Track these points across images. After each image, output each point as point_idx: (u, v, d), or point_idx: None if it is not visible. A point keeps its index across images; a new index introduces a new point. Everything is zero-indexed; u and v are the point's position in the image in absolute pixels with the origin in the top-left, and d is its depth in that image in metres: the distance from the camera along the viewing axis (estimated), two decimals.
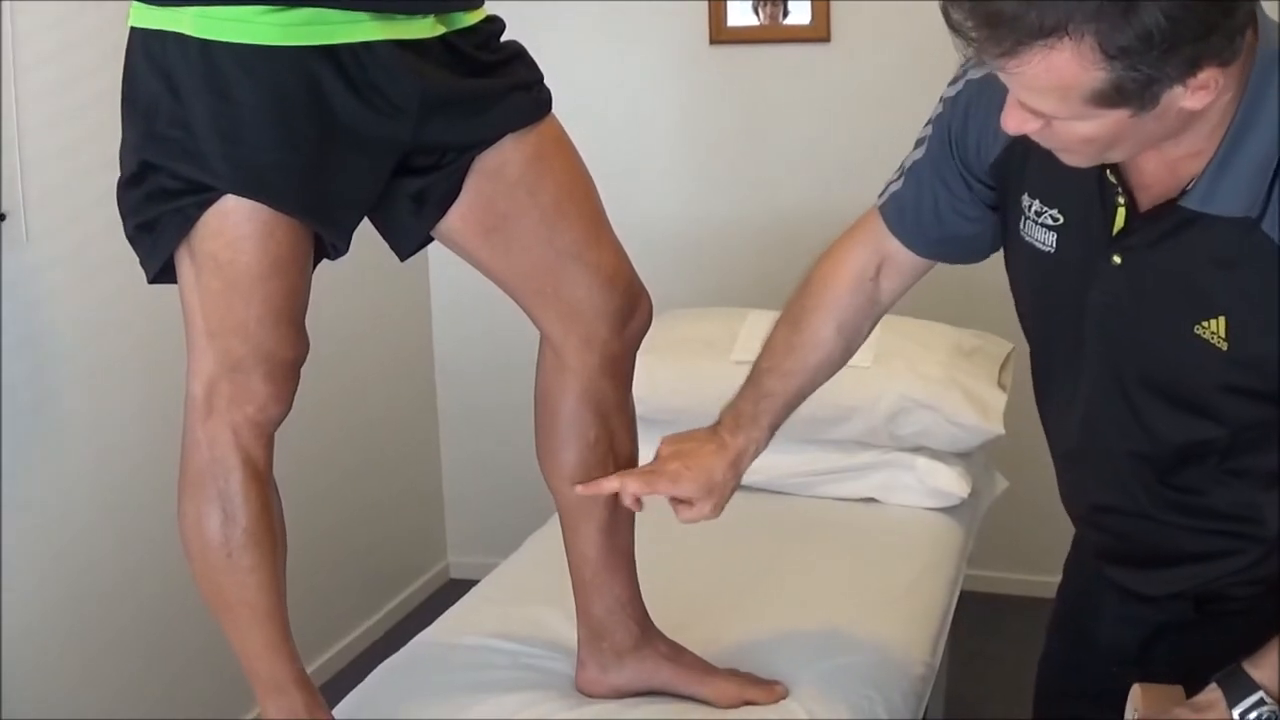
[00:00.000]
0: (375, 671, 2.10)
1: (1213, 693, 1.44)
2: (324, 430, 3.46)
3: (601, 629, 1.96)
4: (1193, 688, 1.48)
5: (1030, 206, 1.53)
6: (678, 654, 1.98)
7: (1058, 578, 1.86)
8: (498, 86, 1.72)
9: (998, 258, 1.70)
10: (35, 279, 2.57)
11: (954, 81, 1.63)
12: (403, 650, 2.16)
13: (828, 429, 2.75)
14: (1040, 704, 1.85)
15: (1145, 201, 1.42)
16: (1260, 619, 1.47)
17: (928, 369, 2.76)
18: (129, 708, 2.83)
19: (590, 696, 1.97)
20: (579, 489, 1.85)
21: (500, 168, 1.73)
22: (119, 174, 1.66)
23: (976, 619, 3.17)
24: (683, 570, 2.31)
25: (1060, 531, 1.83)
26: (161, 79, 1.57)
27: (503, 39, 1.77)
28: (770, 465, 2.78)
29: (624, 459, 1.92)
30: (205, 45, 1.54)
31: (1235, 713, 1.41)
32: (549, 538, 2.32)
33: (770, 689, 1.96)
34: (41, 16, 2.56)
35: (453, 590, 3.48)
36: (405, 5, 1.61)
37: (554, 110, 1.79)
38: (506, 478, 3.99)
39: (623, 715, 1.92)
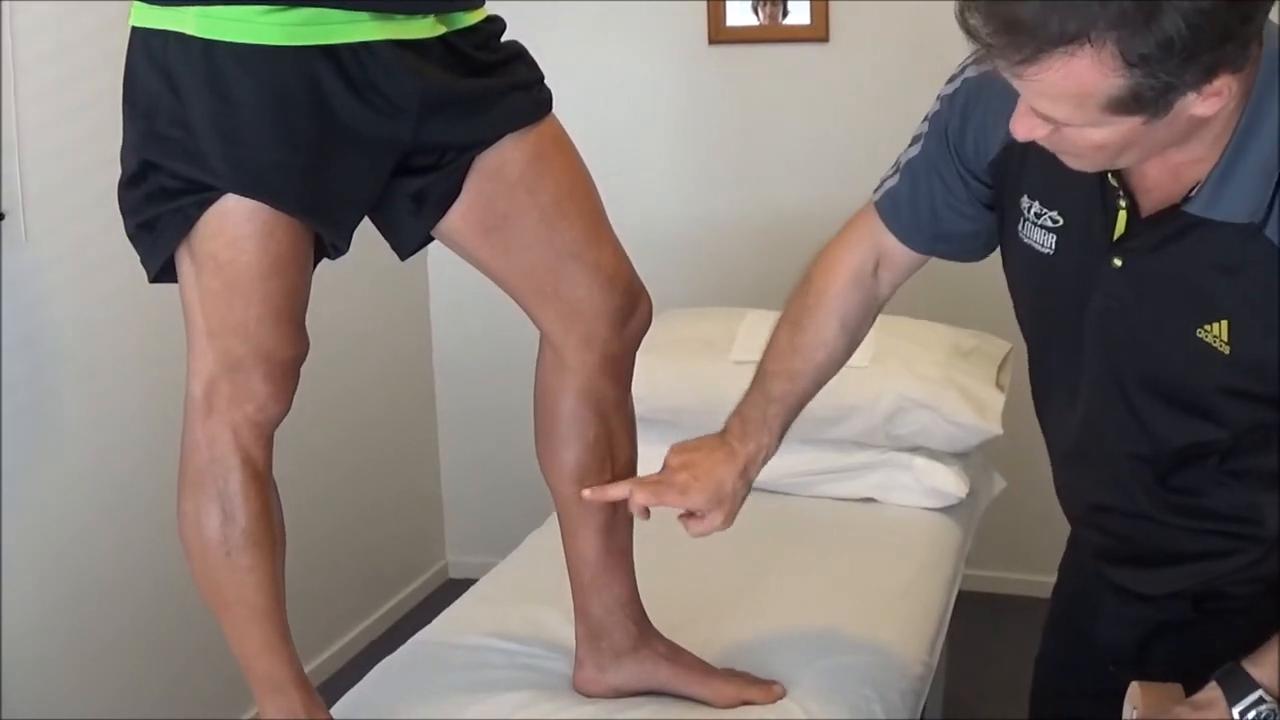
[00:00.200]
0: (373, 671, 2.10)
1: (1212, 691, 1.44)
2: (323, 430, 3.46)
3: (600, 629, 1.96)
4: (1191, 687, 1.49)
5: (1029, 208, 1.53)
6: (676, 654, 1.98)
7: (1056, 578, 1.86)
8: (498, 86, 1.72)
9: (995, 258, 1.70)
10: (35, 279, 2.57)
11: (951, 80, 1.63)
12: (401, 650, 2.16)
13: (826, 429, 2.75)
14: (1037, 704, 1.85)
15: (1147, 205, 1.42)
16: (1259, 618, 1.48)
17: (926, 369, 2.76)
18: (129, 707, 2.83)
19: (588, 696, 1.97)
20: (585, 494, 1.84)
21: (500, 167, 1.73)
22: (119, 173, 1.66)
23: (974, 618, 3.17)
24: (681, 570, 2.32)
25: (1058, 531, 1.83)
26: (162, 79, 1.57)
27: (503, 39, 1.78)
28: (768, 465, 2.79)
29: (623, 459, 1.92)
30: (206, 45, 1.54)
31: (1235, 711, 1.42)
32: (547, 537, 2.32)
33: (768, 689, 1.96)
34: (41, 16, 2.56)
35: (451, 590, 3.48)
36: (405, 5, 1.61)
37: (554, 110, 1.79)
38: (505, 477, 3.99)
39: (621, 715, 1.92)
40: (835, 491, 2.80)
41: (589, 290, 1.81)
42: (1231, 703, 1.42)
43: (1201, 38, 1.18)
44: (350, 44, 1.58)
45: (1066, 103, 1.26)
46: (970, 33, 1.25)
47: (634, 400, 1.94)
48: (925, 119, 1.68)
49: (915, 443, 2.74)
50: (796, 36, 3.64)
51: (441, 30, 1.67)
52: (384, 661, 2.13)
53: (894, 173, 1.73)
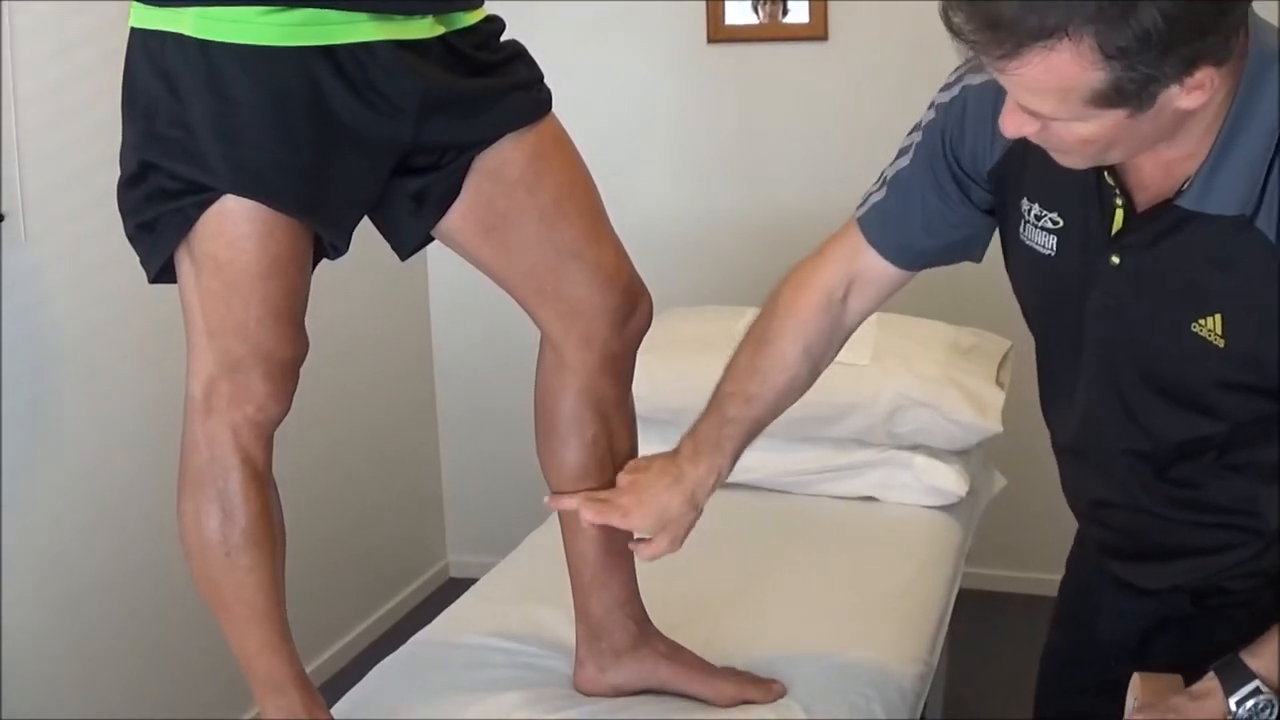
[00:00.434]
0: (373, 670, 2.10)
1: (1210, 682, 1.45)
2: (324, 430, 3.46)
3: (600, 628, 1.96)
4: (1191, 681, 1.49)
5: (1030, 210, 1.54)
6: (676, 653, 1.98)
7: (1056, 575, 1.86)
8: (497, 86, 1.72)
9: (994, 257, 1.70)
10: (35, 279, 2.58)
11: (947, 87, 1.63)
12: (401, 649, 2.16)
13: (825, 427, 2.75)
14: (1041, 698, 1.85)
15: (1142, 202, 1.43)
16: (1259, 612, 1.48)
17: (925, 367, 2.76)
18: (129, 708, 2.83)
19: (588, 695, 1.97)
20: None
21: (500, 167, 1.74)
22: (119, 174, 1.66)
23: (975, 617, 3.17)
24: (681, 569, 2.30)
25: (1058, 529, 1.83)
26: (161, 79, 1.57)
27: (502, 38, 1.78)
28: (768, 464, 2.80)
29: (623, 458, 1.92)
30: (205, 45, 1.55)
31: (1232, 701, 1.42)
32: (548, 537, 2.32)
33: (768, 687, 1.96)
34: (41, 16, 2.56)
35: (452, 589, 3.48)
36: (404, 6, 1.61)
37: (553, 109, 1.79)
38: (506, 477, 4.00)
39: (621, 714, 1.92)
40: (835, 490, 2.80)
41: (589, 289, 1.81)
42: (1229, 693, 1.43)
43: (1178, 30, 1.20)
44: (349, 44, 1.58)
45: (1050, 97, 1.27)
46: (953, 30, 1.27)
47: (634, 399, 1.94)
48: (916, 128, 1.67)
49: (915, 441, 2.74)
50: (795, 35, 3.64)
51: (441, 30, 1.67)
52: (384, 661, 2.13)
53: (879, 186, 1.71)
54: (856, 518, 2.71)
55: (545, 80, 1.79)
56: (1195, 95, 1.26)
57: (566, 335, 1.83)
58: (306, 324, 1.71)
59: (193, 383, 1.68)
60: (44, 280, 2.60)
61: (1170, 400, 1.47)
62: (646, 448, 2.01)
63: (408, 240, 1.79)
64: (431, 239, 1.81)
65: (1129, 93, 1.24)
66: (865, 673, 2.02)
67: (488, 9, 1.76)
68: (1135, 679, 1.53)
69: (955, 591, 2.53)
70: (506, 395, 3.71)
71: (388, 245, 1.80)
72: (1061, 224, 1.51)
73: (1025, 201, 1.54)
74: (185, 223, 1.61)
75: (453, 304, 4.03)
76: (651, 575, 2.01)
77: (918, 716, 2.10)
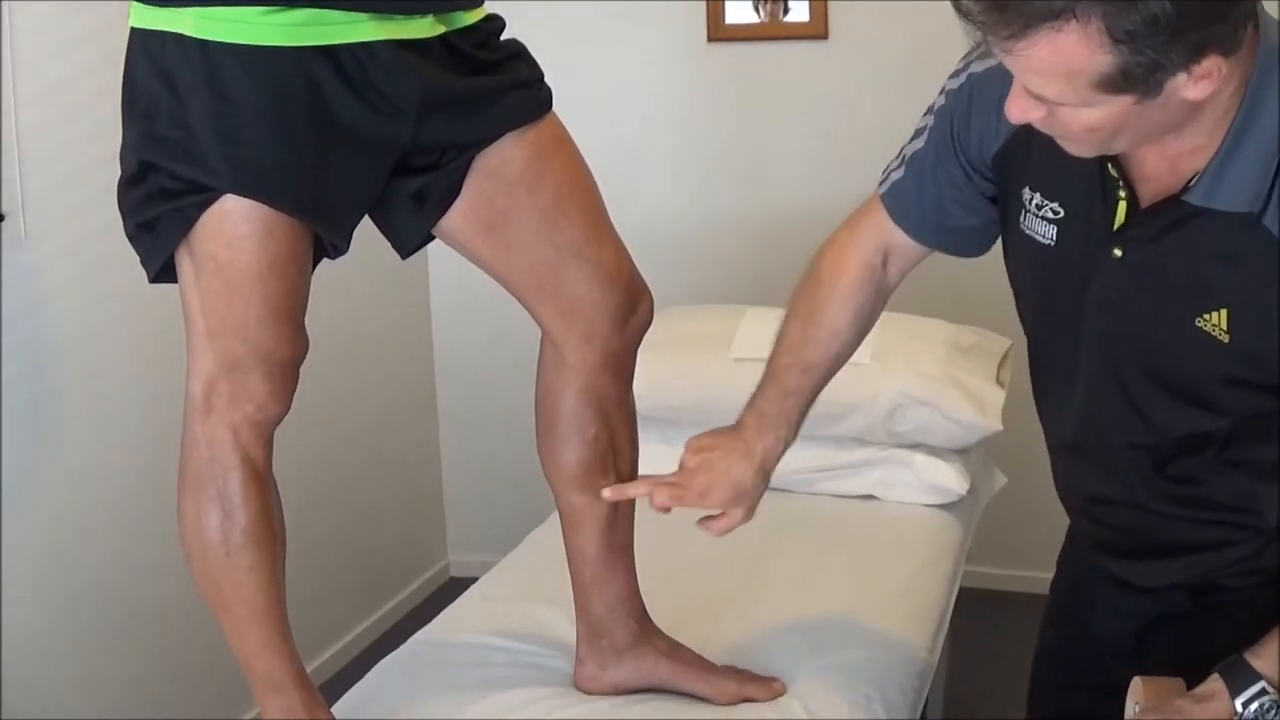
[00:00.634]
0: (374, 670, 2.10)
1: (1214, 683, 1.44)
2: (325, 429, 3.46)
3: (600, 626, 1.96)
4: (1191, 680, 1.49)
5: (1031, 199, 1.54)
6: (676, 651, 1.98)
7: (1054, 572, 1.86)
8: (497, 85, 1.72)
9: (996, 254, 1.70)
10: (35, 279, 2.58)
11: (956, 74, 1.63)
12: (402, 648, 2.16)
13: (826, 426, 2.75)
14: (1035, 699, 1.85)
15: (1146, 195, 1.43)
16: (1258, 610, 1.48)
17: (926, 366, 2.76)
18: (128, 707, 2.83)
19: (589, 694, 1.97)
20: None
21: (500, 166, 1.74)
22: (119, 174, 1.66)
23: (975, 615, 3.17)
24: (681, 568, 2.32)
25: (1059, 527, 1.83)
26: (161, 79, 1.57)
27: (503, 37, 1.78)
28: None
29: (625, 456, 1.92)
30: (205, 46, 1.55)
31: (1238, 703, 1.42)
32: (548, 535, 2.32)
33: (768, 685, 1.96)
34: (41, 16, 2.56)
35: (453, 588, 3.48)
36: (404, 5, 1.61)
37: (554, 108, 1.79)
38: (507, 476, 4.00)
39: (621, 712, 1.92)
40: (836, 489, 2.80)
41: (590, 288, 1.81)
42: (1234, 694, 1.42)
43: (1187, 16, 1.20)
44: (349, 44, 1.58)
45: (1057, 80, 1.27)
46: (962, 12, 1.27)
47: (635, 397, 1.94)
48: (929, 111, 1.68)
49: (916, 440, 2.74)
50: (795, 34, 3.64)
51: (441, 30, 1.67)
52: (385, 660, 2.13)
53: (899, 164, 1.73)
54: (857, 516, 2.71)
55: (545, 79, 1.79)
56: (1202, 85, 1.26)
57: (567, 333, 1.83)
58: (308, 324, 1.71)
59: (193, 382, 1.68)
60: (44, 280, 2.60)
61: (1172, 395, 1.47)
62: (647, 446, 2.01)
63: (408, 239, 1.79)
64: (432, 238, 1.81)
65: (1136, 78, 1.24)
66: (866, 671, 2.02)
67: (488, 8, 1.76)
68: (1136, 682, 1.52)
69: (955, 590, 2.53)
70: (507, 394, 3.71)
71: (388, 244, 1.80)
72: (1063, 214, 1.51)
73: (1027, 190, 1.54)
74: (185, 223, 1.61)
75: (454, 303, 4.03)
76: (652, 574, 2.01)
77: (918, 715, 2.10)
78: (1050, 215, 1.52)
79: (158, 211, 1.62)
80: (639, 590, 1.99)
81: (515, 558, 2.55)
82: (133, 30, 1.61)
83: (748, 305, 3.12)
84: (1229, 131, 1.34)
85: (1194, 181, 1.37)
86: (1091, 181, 1.46)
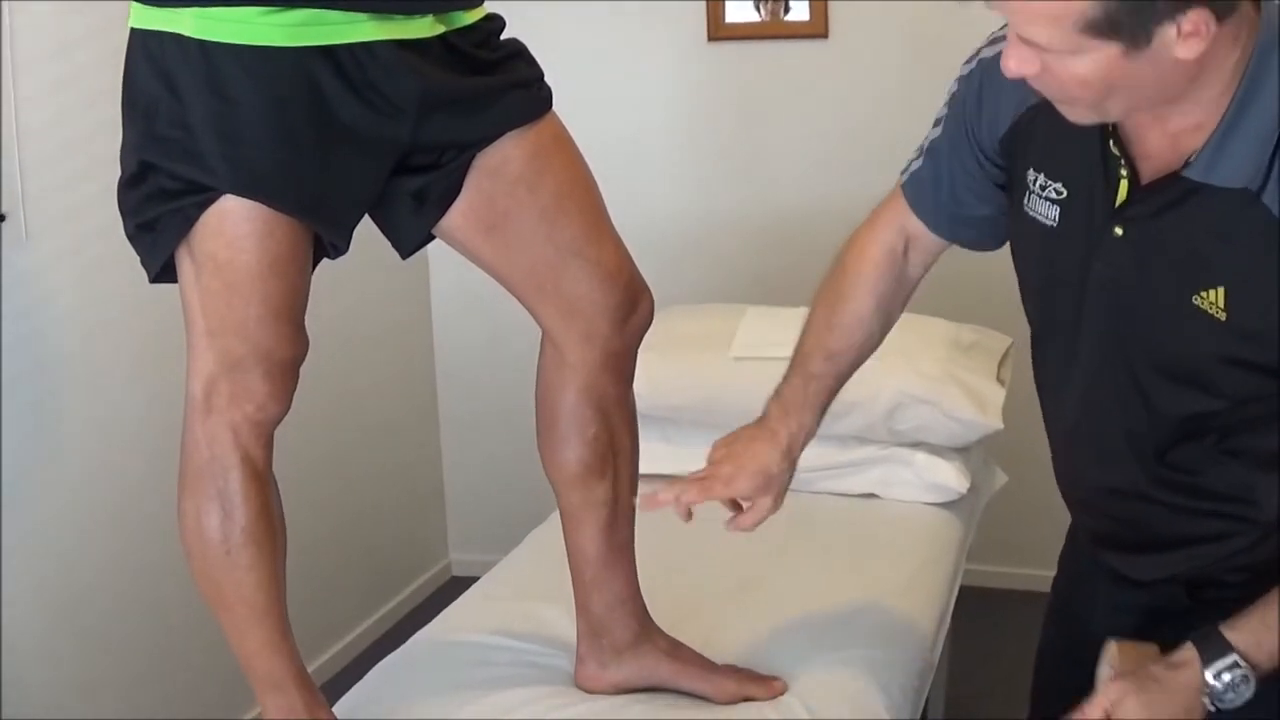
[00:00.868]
0: (375, 669, 2.10)
1: (1188, 652, 1.45)
2: (327, 429, 3.46)
3: (601, 625, 1.96)
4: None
5: (1035, 181, 1.55)
6: (677, 650, 1.99)
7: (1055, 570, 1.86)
8: (497, 85, 1.72)
9: (996, 253, 1.71)
10: (35, 279, 2.58)
11: (969, 61, 1.65)
12: (402, 648, 2.16)
13: (827, 424, 2.71)
14: (1038, 696, 1.85)
15: (1148, 173, 1.44)
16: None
17: (926, 364, 2.76)
18: (128, 707, 2.83)
19: (589, 693, 1.97)
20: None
21: (501, 165, 1.74)
22: (119, 174, 1.66)
23: (976, 614, 3.17)
24: (682, 566, 2.32)
25: (1060, 526, 1.83)
26: (161, 79, 1.58)
27: (503, 37, 1.78)
28: None
29: (625, 455, 1.92)
30: (205, 46, 1.55)
31: (1209, 673, 1.42)
32: (549, 534, 2.32)
33: (769, 684, 1.96)
34: (41, 16, 2.56)
35: (454, 588, 3.48)
36: (404, 5, 1.61)
37: (554, 107, 1.79)
38: (508, 475, 4.00)
39: (622, 711, 1.92)
40: (836, 487, 2.80)
41: (590, 287, 1.81)
42: (1206, 664, 1.43)
43: None
44: (349, 44, 1.58)
45: (1044, 23, 1.29)
46: None
47: (635, 397, 1.94)
48: (946, 100, 1.70)
49: (916, 438, 2.74)
50: (795, 33, 3.64)
51: (441, 29, 1.67)
52: (386, 659, 2.13)
53: (918, 155, 1.75)
54: (857, 515, 2.71)
55: (545, 78, 1.79)
56: (1191, 43, 1.28)
57: (567, 333, 1.83)
58: (310, 324, 1.71)
59: (193, 382, 1.68)
60: (45, 280, 2.61)
61: (1169, 375, 1.47)
62: (647, 445, 2.01)
63: (408, 239, 1.79)
64: (432, 237, 1.81)
65: (1122, 24, 1.26)
66: (867, 669, 2.02)
67: (488, 7, 1.76)
68: (1112, 646, 1.53)
69: (956, 588, 2.53)
70: (508, 394, 3.71)
71: (389, 244, 1.80)
72: (1065, 195, 1.52)
73: (1031, 172, 1.55)
74: (185, 223, 1.61)
75: (455, 303, 4.03)
76: (652, 573, 2.01)
77: (919, 713, 2.10)
78: (1053, 196, 1.53)
79: (158, 212, 1.62)
80: (639, 589, 1.99)
81: (516, 557, 2.55)
82: (132, 30, 1.61)
83: (748, 304, 3.12)
84: (1229, 107, 1.35)
85: (1194, 157, 1.38)
86: (1094, 161, 1.47)
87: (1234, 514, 1.51)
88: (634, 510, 1.95)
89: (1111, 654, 1.53)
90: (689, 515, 1.82)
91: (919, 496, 2.74)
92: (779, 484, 1.79)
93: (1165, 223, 1.42)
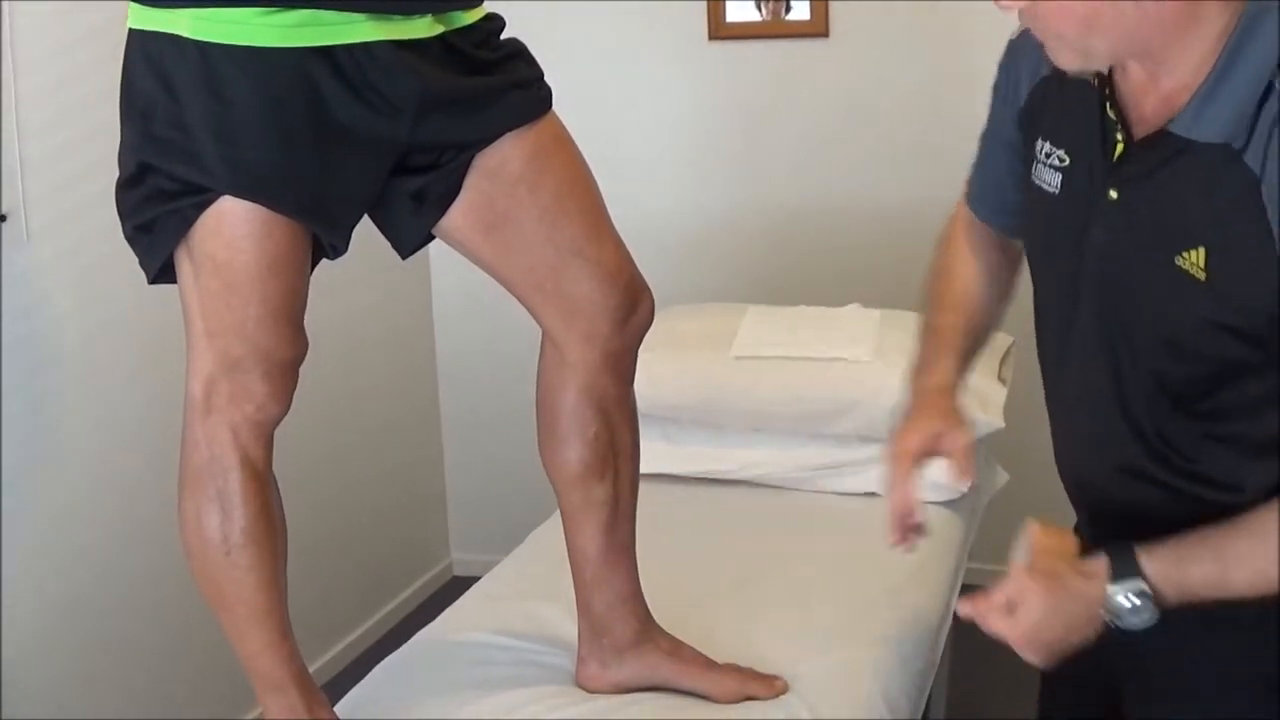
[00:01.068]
0: (376, 669, 2.10)
1: (1099, 564, 1.45)
2: (328, 429, 3.47)
3: (602, 625, 1.96)
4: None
5: (1042, 149, 1.56)
6: (678, 649, 1.98)
7: None
8: (497, 85, 1.72)
9: None
10: (36, 279, 2.58)
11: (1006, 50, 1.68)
12: (404, 647, 2.16)
13: (828, 423, 2.75)
14: (1045, 700, 1.84)
15: (1142, 136, 1.45)
16: (1238, 620, 1.47)
17: None
18: (129, 708, 2.83)
19: (591, 692, 1.97)
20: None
21: (500, 165, 1.73)
22: (118, 175, 1.66)
23: None
24: (683, 566, 2.32)
25: (1062, 524, 1.82)
26: (158, 80, 1.58)
27: (502, 36, 1.78)
28: (771, 460, 2.80)
29: (625, 455, 1.92)
30: (202, 47, 1.55)
31: (1111, 588, 1.42)
32: (550, 534, 2.32)
33: (771, 683, 1.96)
34: (41, 16, 2.56)
35: (456, 587, 3.48)
36: (403, 5, 1.61)
37: (554, 107, 1.79)
38: (509, 475, 4.00)
39: (623, 711, 1.92)
40: (838, 486, 2.80)
41: (590, 287, 1.81)
42: (1113, 580, 1.43)
43: None
44: (347, 45, 1.58)
45: None
46: None
47: (635, 396, 1.94)
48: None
49: None
50: (796, 32, 3.64)
51: (440, 29, 1.67)
52: (387, 659, 2.13)
53: (976, 153, 1.77)
54: (859, 514, 2.71)
55: (545, 78, 1.79)
56: None
57: (568, 333, 1.83)
58: (312, 324, 1.71)
59: (192, 382, 1.68)
60: (45, 280, 2.61)
61: (1156, 340, 1.46)
62: (648, 444, 2.01)
63: (408, 239, 1.79)
64: (432, 238, 1.81)
65: None
66: (869, 669, 2.02)
67: (487, 7, 1.76)
68: (1032, 529, 1.54)
69: (958, 587, 2.53)
70: (509, 394, 3.72)
71: (389, 243, 1.80)
72: (1068, 162, 1.52)
73: (1040, 141, 1.57)
74: (183, 224, 1.61)
75: (456, 304, 4.03)
76: (654, 572, 2.01)
77: (920, 712, 2.10)
78: (1056, 164, 1.54)
79: (156, 213, 1.62)
80: (641, 588, 1.98)
81: (517, 556, 2.55)
82: (131, 31, 1.61)
83: (749, 304, 3.12)
84: (1216, 64, 1.36)
85: (1179, 114, 1.39)
86: (1093, 126, 1.48)
87: (1221, 501, 1.49)
88: (635, 509, 1.95)
89: (1029, 537, 1.54)
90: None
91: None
92: (958, 412, 1.75)
93: (1156, 182, 1.42)
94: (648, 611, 1.99)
